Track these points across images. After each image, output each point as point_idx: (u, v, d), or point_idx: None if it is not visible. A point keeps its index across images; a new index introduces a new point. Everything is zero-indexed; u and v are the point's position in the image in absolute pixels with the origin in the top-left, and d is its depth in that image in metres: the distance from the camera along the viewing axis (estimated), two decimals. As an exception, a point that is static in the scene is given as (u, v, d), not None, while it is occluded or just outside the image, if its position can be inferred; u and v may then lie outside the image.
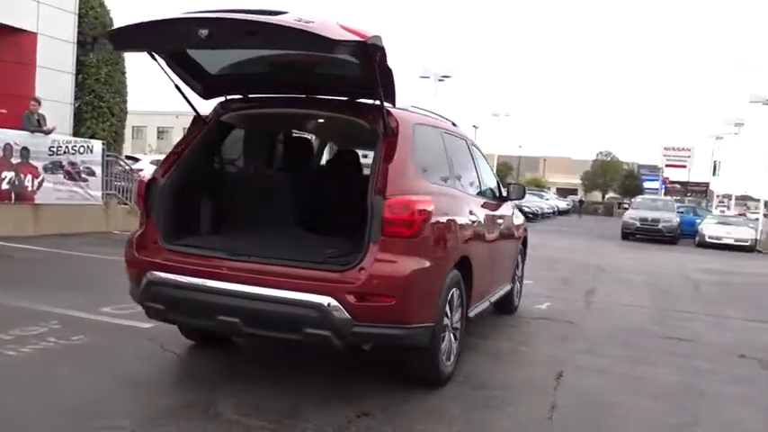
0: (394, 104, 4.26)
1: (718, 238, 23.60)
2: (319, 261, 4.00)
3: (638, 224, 24.65)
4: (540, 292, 8.99)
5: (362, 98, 4.43)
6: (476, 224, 5.12)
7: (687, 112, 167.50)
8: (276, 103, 4.72)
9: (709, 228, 24.47)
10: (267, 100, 4.71)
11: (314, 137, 6.02)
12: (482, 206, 5.60)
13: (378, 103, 4.25)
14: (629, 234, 24.71)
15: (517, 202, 7.19)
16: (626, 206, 40.39)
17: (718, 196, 47.78)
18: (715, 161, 52.58)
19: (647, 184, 57.14)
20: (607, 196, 76.82)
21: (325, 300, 3.75)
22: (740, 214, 38.83)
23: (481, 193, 5.95)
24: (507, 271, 6.74)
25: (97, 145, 13.15)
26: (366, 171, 5.15)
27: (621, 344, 6.52)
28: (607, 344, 6.47)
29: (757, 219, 34.61)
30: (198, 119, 4.65)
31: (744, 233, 24.13)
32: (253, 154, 5.04)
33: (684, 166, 51.04)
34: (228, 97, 4.73)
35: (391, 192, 3.93)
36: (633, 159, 74.11)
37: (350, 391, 4.40)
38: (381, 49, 3.61)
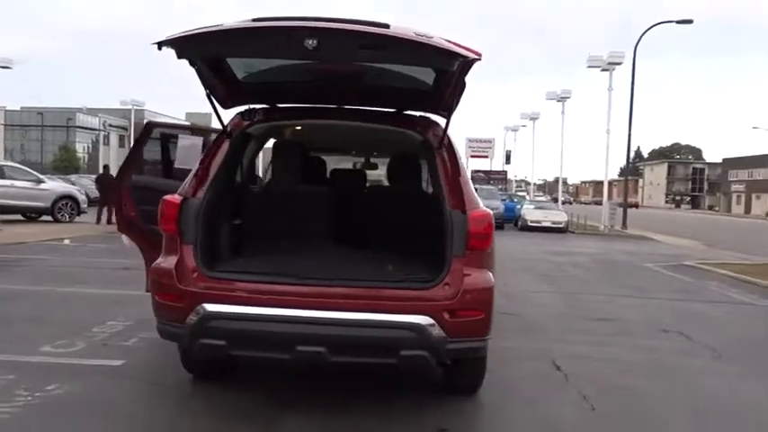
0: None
1: (538, 222, 26.20)
2: (399, 280, 3.86)
3: (469, 213, 26.39)
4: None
5: (409, 110, 4.33)
6: None
7: (487, 106, 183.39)
8: (311, 114, 4.39)
9: (530, 213, 27.07)
10: (300, 110, 4.36)
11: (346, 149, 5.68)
12: None
13: (424, 115, 4.23)
14: (462, 222, 26.37)
15: None
16: None
17: (516, 182, 53.10)
18: (508, 151, 58.46)
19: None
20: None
21: (423, 319, 3.64)
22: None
23: None
24: None
25: None
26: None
27: (570, 330, 7.09)
28: (560, 331, 6.98)
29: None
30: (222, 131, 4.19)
31: (558, 216, 27.07)
32: (283, 168, 4.63)
33: (486, 156, 55.78)
34: (252, 106, 4.32)
35: (469, 206, 3.92)
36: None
37: (407, 408, 4.33)
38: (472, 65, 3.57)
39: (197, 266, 3.84)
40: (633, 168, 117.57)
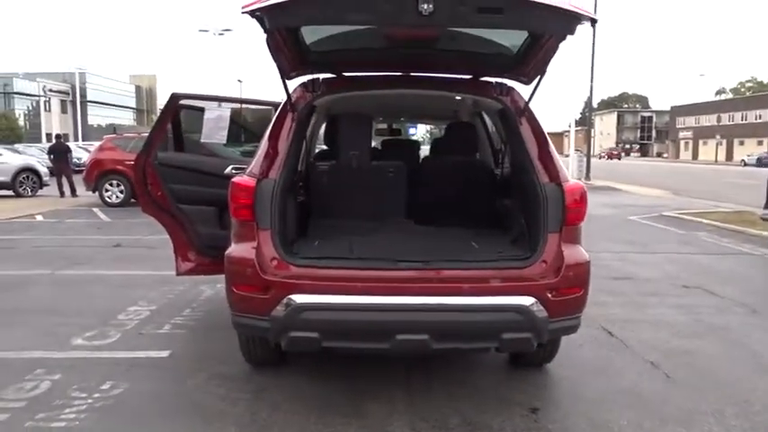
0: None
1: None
2: (496, 259, 3.68)
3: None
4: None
5: (485, 76, 4.08)
6: None
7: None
8: (381, 83, 4.07)
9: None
10: (369, 79, 4.05)
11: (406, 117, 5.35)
12: None
13: (501, 81, 4.00)
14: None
15: None
16: None
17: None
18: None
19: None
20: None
21: (527, 300, 3.49)
22: None
23: None
24: None
25: None
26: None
27: (597, 290, 6.91)
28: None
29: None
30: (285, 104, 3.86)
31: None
32: (350, 142, 4.31)
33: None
34: (315, 76, 3.99)
35: (563, 177, 3.74)
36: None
37: (492, 389, 4.22)
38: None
39: (278, 254, 3.57)
40: (586, 119, 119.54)
